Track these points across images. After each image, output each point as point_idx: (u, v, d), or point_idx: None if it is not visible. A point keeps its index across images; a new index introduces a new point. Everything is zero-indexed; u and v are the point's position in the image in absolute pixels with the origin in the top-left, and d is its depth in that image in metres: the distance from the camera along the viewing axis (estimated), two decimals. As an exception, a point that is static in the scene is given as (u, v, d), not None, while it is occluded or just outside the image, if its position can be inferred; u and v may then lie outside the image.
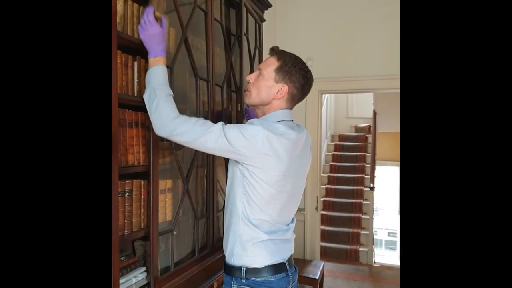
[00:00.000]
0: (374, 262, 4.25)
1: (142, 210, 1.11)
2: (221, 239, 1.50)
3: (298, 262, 2.34)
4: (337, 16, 2.87)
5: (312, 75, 1.14)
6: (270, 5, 2.05)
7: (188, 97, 1.35)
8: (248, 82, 1.16)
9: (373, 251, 4.38)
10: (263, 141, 1.00)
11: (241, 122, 1.65)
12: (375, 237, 5.62)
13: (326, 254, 4.14)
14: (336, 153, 5.68)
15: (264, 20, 2.04)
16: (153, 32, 1.02)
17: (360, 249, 4.21)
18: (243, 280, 1.08)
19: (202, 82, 1.38)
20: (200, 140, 1.00)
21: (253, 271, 1.08)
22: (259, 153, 1.01)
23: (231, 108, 1.64)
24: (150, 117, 1.02)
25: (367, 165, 5.23)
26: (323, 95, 3.39)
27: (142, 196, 1.11)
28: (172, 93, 1.04)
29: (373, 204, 4.71)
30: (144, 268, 1.17)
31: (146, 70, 1.12)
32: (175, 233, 1.22)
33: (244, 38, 1.71)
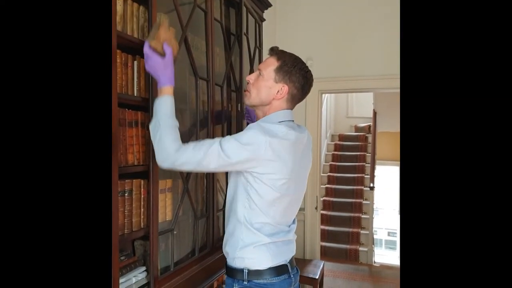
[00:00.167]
0: (374, 262, 4.25)
1: (142, 209, 1.11)
2: (221, 239, 1.50)
3: (298, 262, 2.35)
4: (337, 15, 2.87)
5: (312, 75, 1.14)
6: (270, 5, 2.05)
7: (188, 97, 1.35)
8: (248, 83, 1.16)
9: (373, 250, 4.39)
10: (265, 148, 1.00)
11: (241, 122, 1.65)
12: (375, 236, 5.62)
13: (326, 254, 4.14)
14: (336, 152, 5.68)
15: (264, 20, 2.04)
16: (152, 63, 1.01)
17: (360, 248, 4.22)
18: (245, 283, 1.07)
19: (202, 82, 1.38)
20: (202, 164, 1.00)
21: (255, 273, 1.07)
22: (263, 159, 1.00)
23: (231, 108, 1.64)
24: (154, 148, 1.02)
25: (367, 164, 5.23)
26: (323, 95, 3.39)
27: (142, 196, 1.11)
28: (177, 123, 1.03)
29: (373, 203, 4.71)
30: (144, 268, 1.17)
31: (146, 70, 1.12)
32: (175, 232, 1.22)
33: (244, 37, 1.71)
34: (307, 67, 1.13)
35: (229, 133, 1.62)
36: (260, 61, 1.92)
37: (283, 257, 1.11)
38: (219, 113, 1.50)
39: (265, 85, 1.10)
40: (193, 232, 1.35)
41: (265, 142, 0.99)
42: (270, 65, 1.11)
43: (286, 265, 1.11)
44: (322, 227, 4.31)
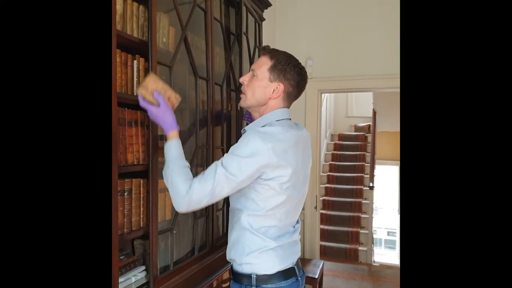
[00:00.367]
0: (374, 261, 4.26)
1: (141, 209, 1.11)
2: (220, 238, 1.50)
3: (298, 261, 2.35)
4: (337, 15, 2.87)
5: (306, 71, 1.12)
6: (269, 4, 2.05)
7: (188, 96, 1.35)
8: (242, 84, 1.14)
9: (373, 250, 4.39)
10: (269, 155, 0.97)
11: (241, 122, 1.65)
12: (374, 236, 5.62)
13: (326, 253, 4.14)
14: (335, 152, 5.69)
15: (264, 19, 2.04)
16: (151, 114, 1.03)
17: (360, 248, 4.22)
18: None
19: (201, 81, 1.38)
20: (216, 193, 0.98)
21: (263, 278, 1.05)
22: (268, 166, 0.99)
23: (231, 107, 1.64)
24: (170, 194, 1.01)
25: (366, 164, 5.24)
26: (323, 95, 3.39)
27: (142, 195, 1.11)
28: (186, 163, 1.03)
29: (373, 203, 4.71)
30: (143, 267, 1.17)
31: (146, 69, 1.12)
32: (174, 232, 1.22)
33: (244, 37, 1.71)
34: (300, 63, 1.12)
35: (229, 133, 1.61)
36: (260, 60, 1.92)
37: (290, 260, 1.09)
38: (218, 114, 1.50)
39: (259, 85, 1.09)
40: (193, 231, 1.35)
41: (267, 149, 0.97)
42: (263, 65, 1.09)
43: (294, 267, 1.10)
44: (322, 226, 4.32)
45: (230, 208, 1.15)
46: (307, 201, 2.99)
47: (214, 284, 1.41)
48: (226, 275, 1.51)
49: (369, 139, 5.53)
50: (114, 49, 0.95)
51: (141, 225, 1.11)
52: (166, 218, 1.21)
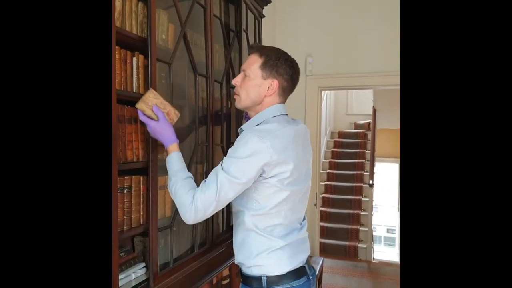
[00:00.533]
0: (373, 259, 4.27)
1: (141, 206, 1.11)
2: (220, 235, 1.50)
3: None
4: (337, 12, 2.87)
5: (297, 63, 1.11)
6: (269, 1, 2.04)
7: (187, 93, 1.35)
8: (235, 86, 1.13)
9: (372, 247, 4.40)
10: (270, 154, 0.96)
11: (241, 120, 1.65)
12: (374, 233, 5.64)
13: (325, 251, 4.16)
14: (335, 150, 5.69)
15: (264, 16, 2.03)
16: (150, 129, 1.04)
17: (359, 245, 4.23)
18: None
19: (201, 78, 1.37)
20: (221, 198, 0.96)
21: (274, 279, 1.03)
22: (269, 165, 0.97)
23: (230, 105, 1.64)
24: (177, 208, 1.01)
25: (366, 162, 5.24)
26: (323, 92, 3.39)
27: (141, 192, 1.11)
28: (189, 174, 1.03)
29: (372, 200, 4.72)
30: (143, 264, 1.17)
31: (145, 66, 1.12)
32: (174, 229, 1.22)
33: (244, 34, 1.70)
34: (290, 56, 1.10)
35: (229, 130, 1.61)
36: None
37: (300, 259, 1.08)
38: (218, 113, 1.49)
39: (253, 85, 1.07)
40: (193, 228, 1.35)
41: (266, 147, 0.96)
42: (254, 63, 1.08)
43: (304, 266, 1.08)
44: (321, 224, 4.33)
45: (233, 210, 1.13)
46: (307, 198, 2.99)
47: (214, 281, 1.42)
48: (226, 272, 1.51)
49: (369, 136, 5.53)
50: (113, 46, 0.95)
51: (141, 222, 1.11)
52: (166, 215, 1.21)
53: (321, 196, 4.80)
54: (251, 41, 1.83)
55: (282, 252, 1.04)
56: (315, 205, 3.03)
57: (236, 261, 1.13)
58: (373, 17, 2.75)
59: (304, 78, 2.86)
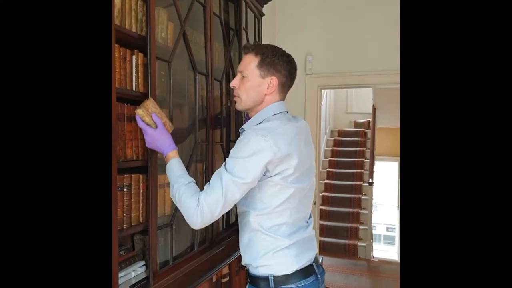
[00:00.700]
0: (373, 257, 4.28)
1: (141, 204, 1.11)
2: (220, 234, 1.50)
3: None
4: (337, 10, 2.86)
5: (293, 58, 1.11)
6: (269, -1, 2.04)
7: (187, 92, 1.35)
8: (233, 89, 1.12)
9: (372, 246, 4.41)
10: (273, 152, 0.95)
11: (240, 118, 1.64)
12: (373, 232, 5.65)
13: (325, 249, 4.16)
14: (335, 148, 5.69)
15: (263, 15, 2.03)
16: (149, 137, 1.03)
17: (359, 244, 4.24)
18: None
19: (200, 77, 1.37)
20: (228, 199, 0.95)
21: (281, 279, 1.02)
22: (273, 163, 0.97)
23: (230, 103, 1.64)
24: (183, 214, 1.00)
25: (366, 160, 5.25)
26: (323, 91, 3.38)
27: (141, 191, 1.11)
28: (191, 179, 1.02)
29: (372, 199, 4.73)
30: (143, 262, 1.17)
31: (144, 65, 1.11)
32: (174, 227, 1.23)
33: (243, 32, 1.70)
34: (286, 52, 1.10)
35: (228, 129, 1.61)
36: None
37: (307, 257, 1.07)
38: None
39: (252, 85, 1.07)
40: (192, 227, 1.35)
41: (269, 146, 0.95)
42: (250, 63, 1.07)
43: (312, 265, 1.07)
44: (321, 222, 4.33)
45: (237, 211, 1.12)
46: (307, 197, 2.99)
47: (214, 279, 1.42)
48: (225, 270, 1.51)
49: (369, 135, 5.53)
50: (113, 44, 0.95)
51: (141, 220, 1.11)
52: (166, 213, 1.21)
53: (320, 194, 4.80)
54: (251, 40, 1.83)
55: (289, 251, 1.03)
56: (315, 203, 3.03)
57: (243, 262, 1.12)
58: (373, 15, 2.74)
59: (304, 77, 2.86)
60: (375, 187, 4.85)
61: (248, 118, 1.57)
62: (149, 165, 1.09)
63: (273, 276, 1.03)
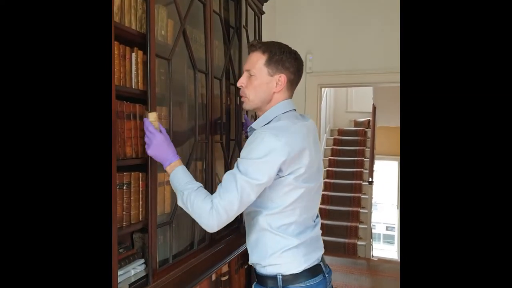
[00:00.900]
0: (372, 256, 4.28)
1: (140, 202, 1.11)
2: (219, 232, 1.50)
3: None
4: (337, 9, 2.86)
5: (299, 54, 1.10)
6: (269, -2, 2.03)
7: (187, 90, 1.34)
8: (241, 88, 1.11)
9: (371, 245, 4.41)
10: (287, 152, 0.94)
11: (240, 116, 1.64)
12: (373, 231, 5.65)
13: (325, 248, 4.13)
14: (335, 147, 5.69)
15: (264, 13, 2.02)
16: (157, 142, 1.01)
17: (358, 243, 4.24)
18: None
19: (200, 75, 1.37)
20: (244, 200, 0.94)
21: (289, 278, 1.02)
22: (286, 162, 0.96)
23: (230, 102, 1.64)
24: (196, 220, 0.99)
25: (366, 159, 5.24)
26: (323, 89, 3.38)
27: (141, 189, 1.11)
28: (199, 184, 1.01)
29: (372, 198, 4.73)
30: (142, 260, 1.17)
31: (144, 62, 1.11)
32: (173, 225, 1.23)
33: (243, 30, 1.70)
34: (292, 48, 1.09)
35: (228, 127, 1.61)
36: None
37: (315, 257, 1.07)
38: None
39: (261, 83, 1.05)
40: (192, 225, 1.35)
41: (281, 146, 0.94)
42: (257, 61, 1.05)
43: (320, 264, 1.07)
44: (321, 221, 4.32)
45: (245, 211, 1.09)
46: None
47: (213, 278, 1.42)
48: (225, 269, 1.51)
49: (369, 134, 5.53)
50: (112, 41, 0.94)
51: (140, 219, 1.11)
52: (165, 211, 1.21)
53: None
54: (251, 38, 1.82)
55: (297, 251, 1.03)
56: (315, 202, 3.04)
57: (250, 262, 1.12)
58: (373, 14, 2.74)
59: (304, 76, 2.86)
60: (375, 186, 4.84)
61: (248, 119, 1.57)
62: (149, 163, 1.09)
63: (282, 275, 1.03)
